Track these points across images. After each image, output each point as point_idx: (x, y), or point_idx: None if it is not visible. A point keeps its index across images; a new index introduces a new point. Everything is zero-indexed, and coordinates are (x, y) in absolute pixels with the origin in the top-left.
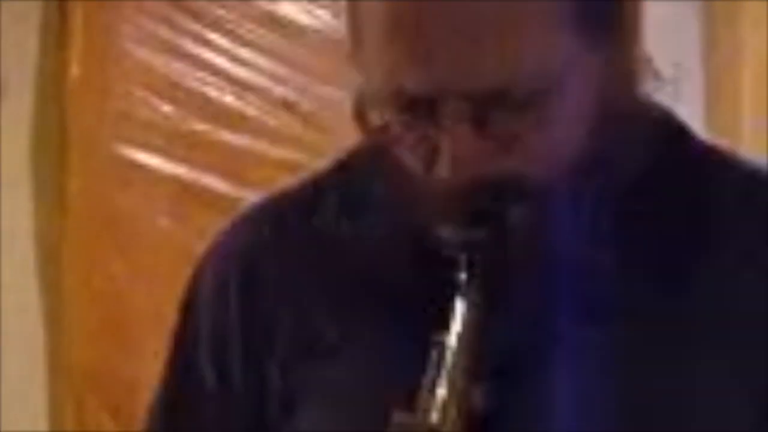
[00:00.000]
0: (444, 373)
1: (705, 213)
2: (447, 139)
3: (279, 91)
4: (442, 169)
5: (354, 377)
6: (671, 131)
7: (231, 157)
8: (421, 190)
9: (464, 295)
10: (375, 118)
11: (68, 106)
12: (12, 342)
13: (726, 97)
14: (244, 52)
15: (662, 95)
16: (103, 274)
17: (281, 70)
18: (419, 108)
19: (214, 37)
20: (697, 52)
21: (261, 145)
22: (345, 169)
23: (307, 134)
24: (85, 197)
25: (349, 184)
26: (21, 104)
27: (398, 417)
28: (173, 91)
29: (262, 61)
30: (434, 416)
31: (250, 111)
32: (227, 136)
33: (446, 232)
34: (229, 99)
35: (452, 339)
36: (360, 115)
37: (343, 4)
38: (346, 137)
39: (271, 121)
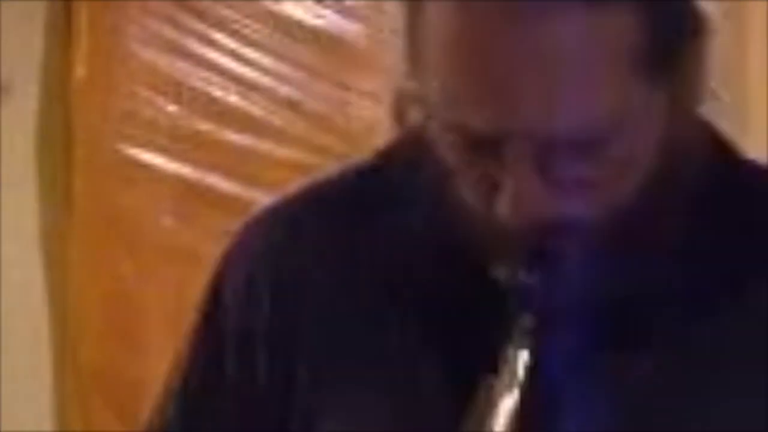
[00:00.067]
0: (486, 416)
1: (758, 236)
2: (510, 179)
3: (284, 90)
4: (503, 209)
5: (379, 403)
6: (724, 156)
7: (236, 157)
8: (473, 223)
9: (516, 340)
10: (414, 116)
11: (73, 106)
12: (18, 342)
13: (730, 99)
14: (249, 52)
15: None
16: (108, 274)
17: (286, 70)
18: (483, 144)
19: (218, 36)
20: None
21: (266, 145)
22: (382, 172)
23: (311, 134)
24: (90, 196)
25: (388, 191)
26: (26, 103)
27: None
28: (178, 90)
29: (266, 60)
30: None
31: (255, 111)
32: (232, 136)
33: (500, 271)
34: (233, 99)
35: (506, 385)
36: (399, 114)
37: (349, 4)
38: (351, 137)
39: (276, 121)
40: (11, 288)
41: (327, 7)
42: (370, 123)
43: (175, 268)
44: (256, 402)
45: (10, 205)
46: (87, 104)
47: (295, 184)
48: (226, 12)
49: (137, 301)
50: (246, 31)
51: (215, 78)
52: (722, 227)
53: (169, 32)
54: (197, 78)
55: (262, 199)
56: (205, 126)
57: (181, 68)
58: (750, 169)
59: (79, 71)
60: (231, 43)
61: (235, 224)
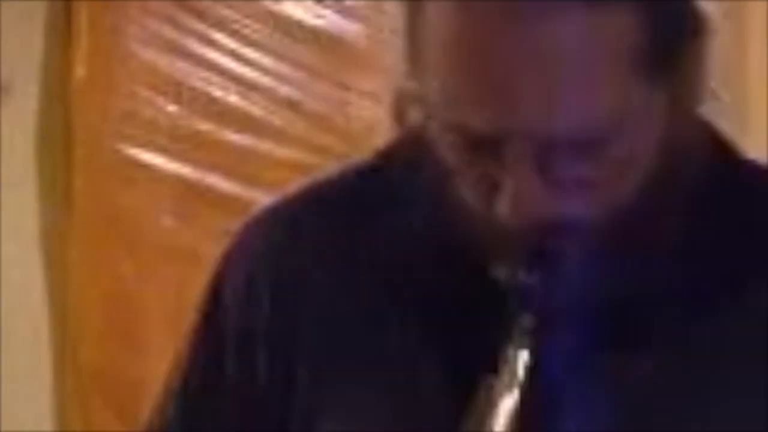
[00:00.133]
0: (485, 416)
1: (758, 235)
2: (510, 179)
3: (284, 90)
4: (503, 209)
5: (379, 403)
6: (723, 155)
7: (235, 157)
8: (474, 223)
9: (516, 340)
10: (414, 116)
11: (73, 106)
12: (18, 342)
13: (730, 99)
14: (249, 52)
15: None
16: (108, 274)
17: (286, 70)
18: (483, 144)
19: (218, 36)
20: None
21: (266, 145)
22: (382, 172)
23: (311, 134)
24: (90, 196)
25: (388, 191)
26: (26, 103)
27: None
28: (178, 90)
29: (266, 60)
30: None
31: (255, 111)
32: (232, 136)
33: (500, 271)
34: (233, 99)
35: (506, 385)
36: (399, 114)
37: (349, 4)
38: (351, 137)
39: (276, 121)
40: (11, 288)
41: (327, 7)
42: (370, 123)
43: (175, 268)
44: (256, 402)
45: (10, 205)
46: (87, 104)
47: (294, 184)
48: (226, 12)
49: (137, 301)
50: (246, 31)
51: (215, 78)
52: (722, 227)
53: (169, 32)
54: (197, 78)
55: (262, 199)
56: (205, 126)
57: (181, 68)
58: (750, 168)
59: (79, 71)
60: (231, 43)
61: (235, 224)
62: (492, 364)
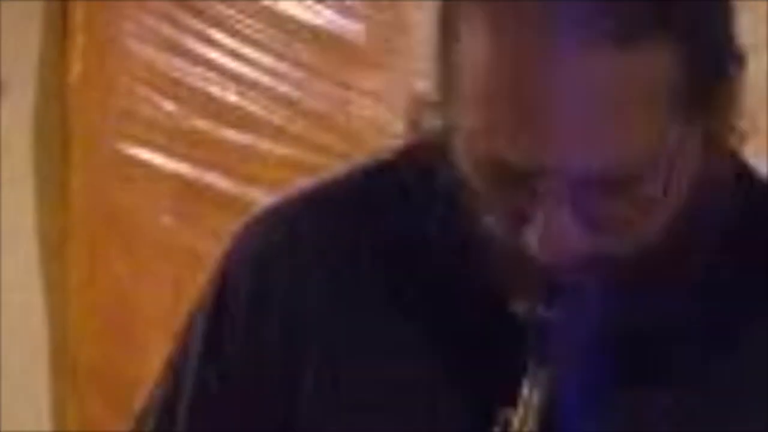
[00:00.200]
0: None
1: None
2: (541, 213)
3: (283, 89)
4: (531, 242)
5: (389, 408)
6: (746, 186)
7: (234, 156)
8: (495, 251)
9: (533, 376)
10: (430, 122)
11: (70, 104)
12: (15, 340)
13: None
14: (247, 50)
15: None
16: (106, 272)
17: (285, 69)
18: (515, 176)
19: (216, 34)
20: None
21: (264, 143)
22: (392, 175)
23: (311, 133)
24: (88, 194)
25: (398, 192)
26: (23, 101)
27: None
28: (175, 88)
29: (265, 58)
30: None
31: (254, 109)
32: (230, 134)
33: (519, 305)
34: (231, 97)
35: (522, 421)
36: (414, 121)
37: (349, 3)
38: (351, 136)
39: (275, 120)
40: (8, 287)
41: (326, 5)
42: (370, 122)
43: (174, 267)
44: (262, 406)
45: (8, 204)
46: (84, 103)
47: (299, 183)
48: (224, 10)
49: (135, 300)
50: (245, 29)
51: (214, 76)
52: (742, 260)
53: (167, 30)
54: (196, 76)
55: (261, 198)
56: (203, 124)
57: (179, 66)
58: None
59: (77, 70)
60: (230, 42)
61: (234, 223)
62: (509, 397)
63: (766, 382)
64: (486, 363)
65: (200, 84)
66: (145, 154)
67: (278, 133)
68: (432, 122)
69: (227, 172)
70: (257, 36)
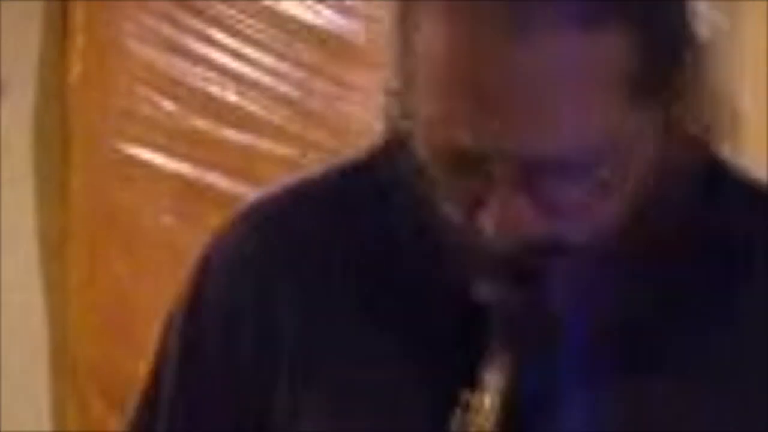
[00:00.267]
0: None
1: (738, 255)
2: (496, 197)
3: (283, 88)
4: (487, 227)
5: (357, 411)
6: (714, 177)
7: (234, 155)
8: (456, 237)
9: (496, 357)
10: (406, 127)
11: (70, 104)
12: (15, 340)
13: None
14: (247, 50)
15: None
16: (106, 272)
17: (285, 68)
18: (470, 161)
19: (216, 34)
20: None
21: (264, 143)
22: (366, 172)
23: (311, 132)
24: (88, 194)
25: (372, 191)
26: (23, 101)
27: None
28: (175, 88)
29: (265, 58)
30: None
31: (254, 109)
32: (230, 134)
33: (483, 289)
34: (231, 96)
35: (479, 402)
36: (390, 126)
37: (349, 3)
38: (349, 134)
39: (275, 119)
40: (8, 287)
41: (326, 5)
42: (369, 121)
43: (174, 267)
44: (239, 399)
45: (8, 204)
46: (84, 103)
47: (277, 181)
48: (224, 10)
49: (135, 300)
50: (245, 29)
51: (214, 76)
52: (710, 247)
53: (167, 30)
54: (195, 76)
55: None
56: (203, 124)
57: (179, 66)
58: (741, 188)
59: (77, 69)
60: (230, 41)
61: None
62: (471, 381)
63: (740, 364)
64: (450, 344)
65: (200, 84)
66: (145, 154)
67: (278, 133)
68: (395, 113)
69: (227, 171)
70: (257, 36)
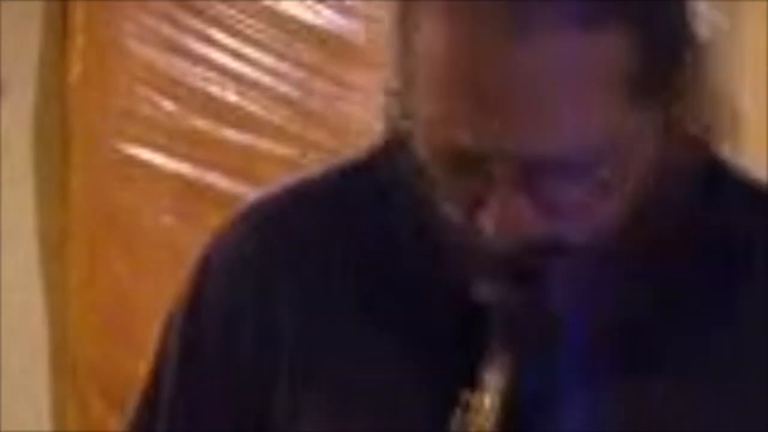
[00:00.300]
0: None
1: (739, 255)
2: (496, 197)
3: (283, 88)
4: (487, 227)
5: (358, 411)
6: (714, 177)
7: (234, 155)
8: (455, 236)
9: (496, 357)
10: (406, 127)
11: (70, 104)
12: (15, 340)
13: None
14: (247, 50)
15: None
16: (105, 272)
17: (285, 68)
18: (470, 161)
19: (216, 34)
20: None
21: (264, 143)
22: (366, 172)
23: (310, 131)
24: (88, 194)
25: (372, 191)
26: (23, 101)
27: None
28: (175, 88)
29: (265, 58)
30: None
31: (254, 109)
32: (230, 134)
33: (483, 289)
34: (232, 96)
35: (480, 402)
36: (390, 126)
37: (349, 3)
38: (349, 134)
39: (275, 119)
40: (8, 287)
41: (327, 5)
42: (369, 121)
43: (174, 267)
44: (239, 400)
45: (8, 204)
46: (84, 103)
47: (280, 180)
48: (224, 10)
49: (135, 300)
50: (245, 29)
51: (214, 76)
52: (711, 246)
53: (167, 30)
54: (196, 76)
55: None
56: (203, 124)
57: (179, 66)
58: (741, 188)
59: (77, 69)
60: (230, 42)
61: None
62: (471, 381)
63: (739, 364)
64: (451, 344)
65: (200, 84)
66: (145, 154)
67: (278, 133)
68: (394, 113)
69: (227, 171)
70: (258, 36)
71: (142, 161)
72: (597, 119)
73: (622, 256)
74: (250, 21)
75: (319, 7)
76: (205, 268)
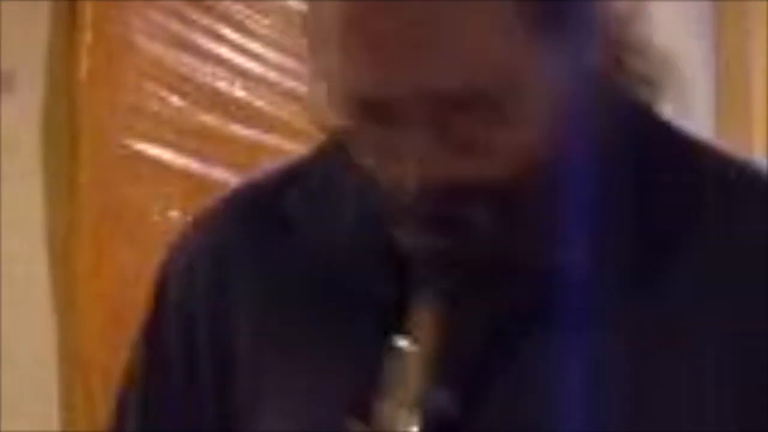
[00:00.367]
0: (400, 381)
1: (685, 210)
2: (407, 143)
3: (289, 84)
4: (404, 174)
5: (310, 382)
6: (648, 125)
7: (242, 151)
8: (384, 192)
9: (426, 303)
10: (333, 119)
11: (78, 100)
12: (23, 334)
13: (736, 99)
14: (255, 46)
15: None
16: (113, 267)
17: (293, 64)
18: (376, 111)
19: (224, 30)
20: (706, 51)
21: (272, 139)
22: (313, 161)
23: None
24: (96, 190)
25: (316, 176)
26: (31, 97)
27: (351, 426)
28: (184, 84)
29: (273, 54)
30: (389, 425)
31: (262, 105)
32: (238, 130)
33: (410, 238)
34: (239, 92)
35: (411, 346)
36: (318, 118)
37: None
38: None
39: (282, 115)
40: (16, 282)
41: None
42: None
43: None
44: (199, 402)
45: (16, 199)
46: (92, 98)
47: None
48: (232, 6)
49: (141, 295)
50: (253, 25)
51: (222, 72)
52: (642, 201)
53: (175, 26)
54: (203, 72)
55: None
56: (211, 120)
57: (187, 62)
58: (683, 140)
59: (85, 65)
60: (237, 37)
61: None
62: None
63: (691, 321)
64: (386, 300)
65: (208, 80)
66: (153, 149)
67: (286, 129)
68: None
69: (235, 167)
70: (266, 32)
71: (150, 157)
72: (489, 50)
73: (549, 196)
74: (258, 17)
75: None
76: (163, 273)
